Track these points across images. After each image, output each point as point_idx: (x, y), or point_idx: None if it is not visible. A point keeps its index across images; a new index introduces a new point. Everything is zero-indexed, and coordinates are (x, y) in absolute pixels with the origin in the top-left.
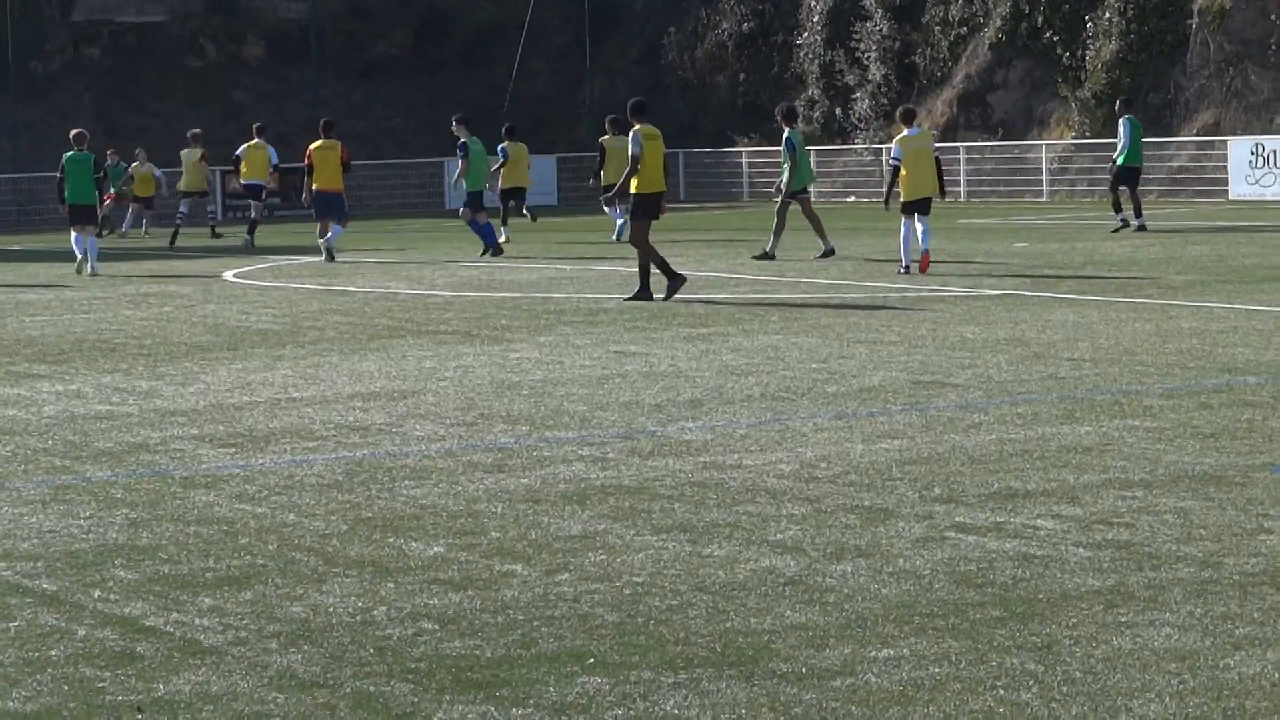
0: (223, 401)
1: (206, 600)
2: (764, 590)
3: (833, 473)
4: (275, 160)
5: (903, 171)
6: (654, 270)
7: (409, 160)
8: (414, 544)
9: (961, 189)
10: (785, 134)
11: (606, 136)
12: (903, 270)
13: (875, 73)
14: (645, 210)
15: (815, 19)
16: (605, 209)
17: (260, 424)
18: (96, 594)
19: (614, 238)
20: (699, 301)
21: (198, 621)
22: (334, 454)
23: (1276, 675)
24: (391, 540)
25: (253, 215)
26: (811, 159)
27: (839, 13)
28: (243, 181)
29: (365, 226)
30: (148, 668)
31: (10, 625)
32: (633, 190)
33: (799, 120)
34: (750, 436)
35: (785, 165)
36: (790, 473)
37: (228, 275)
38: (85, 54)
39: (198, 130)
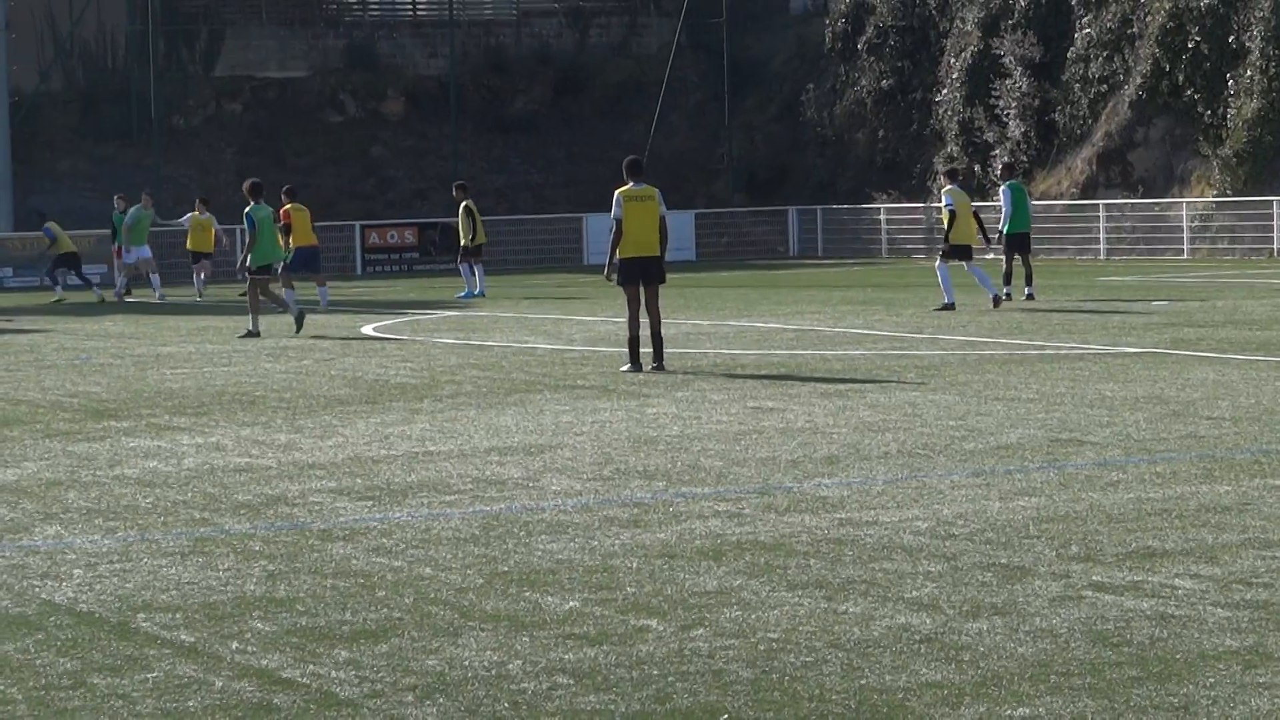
0: (360, 454)
1: (343, 653)
2: (899, 648)
3: (969, 530)
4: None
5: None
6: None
7: (546, 215)
8: (549, 598)
9: (1101, 246)
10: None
11: (465, 201)
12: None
13: (1015, 130)
14: (628, 276)
15: (954, 76)
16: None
17: (398, 477)
18: (234, 645)
19: (462, 295)
20: (836, 358)
21: (334, 674)
22: (471, 508)
23: None
24: (527, 594)
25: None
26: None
27: (978, 70)
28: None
29: (503, 282)
30: (284, 719)
31: (149, 676)
32: (618, 255)
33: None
34: (886, 493)
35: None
36: (926, 530)
37: (366, 329)
38: (227, 109)
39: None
